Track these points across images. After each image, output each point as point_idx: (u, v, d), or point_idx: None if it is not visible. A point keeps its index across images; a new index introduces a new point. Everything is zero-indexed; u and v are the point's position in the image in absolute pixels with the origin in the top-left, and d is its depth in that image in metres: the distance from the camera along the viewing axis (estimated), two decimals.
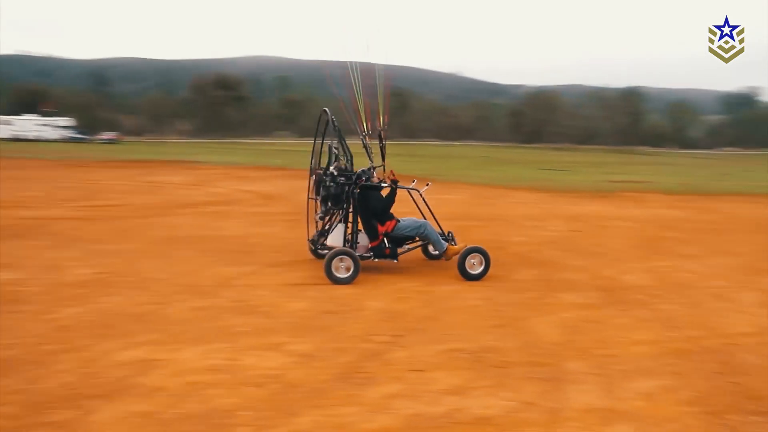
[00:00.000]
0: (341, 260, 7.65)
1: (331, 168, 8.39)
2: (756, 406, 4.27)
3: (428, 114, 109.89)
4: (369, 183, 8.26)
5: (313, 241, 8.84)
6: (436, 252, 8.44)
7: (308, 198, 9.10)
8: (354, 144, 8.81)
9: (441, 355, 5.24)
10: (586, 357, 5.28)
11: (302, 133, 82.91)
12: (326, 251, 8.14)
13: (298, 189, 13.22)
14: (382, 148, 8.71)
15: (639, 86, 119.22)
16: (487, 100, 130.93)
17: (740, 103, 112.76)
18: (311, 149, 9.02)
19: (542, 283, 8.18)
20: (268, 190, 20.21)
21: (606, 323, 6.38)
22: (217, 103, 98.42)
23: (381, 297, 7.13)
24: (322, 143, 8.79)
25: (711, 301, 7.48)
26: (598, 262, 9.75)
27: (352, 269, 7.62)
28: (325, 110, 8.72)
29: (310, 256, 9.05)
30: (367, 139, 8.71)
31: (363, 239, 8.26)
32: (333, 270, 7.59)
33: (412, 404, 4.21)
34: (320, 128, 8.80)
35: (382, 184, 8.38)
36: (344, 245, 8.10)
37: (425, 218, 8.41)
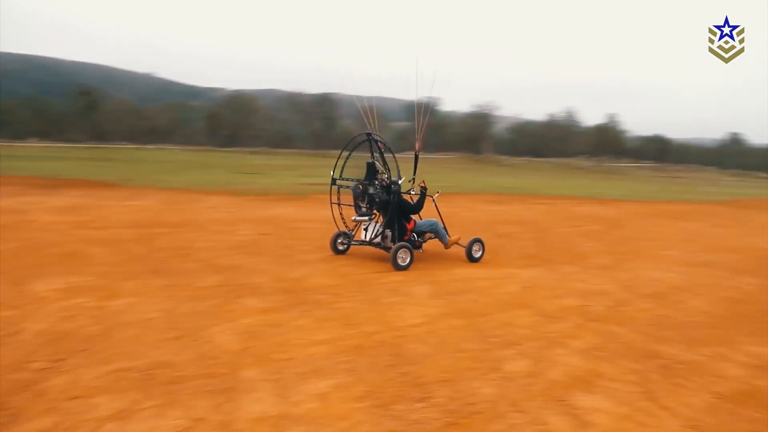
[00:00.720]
0: (404, 252, 10.13)
1: (377, 182, 11.15)
2: (421, 393, 4.82)
3: (120, 115, 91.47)
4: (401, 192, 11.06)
5: (345, 236, 11.38)
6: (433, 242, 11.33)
7: (331, 203, 11.64)
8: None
9: (105, 378, 4.73)
10: (264, 363, 5.28)
11: None
12: (355, 244, 11.32)
13: None
14: (416, 165, 11.85)
15: (331, 92, 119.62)
16: (184, 103, 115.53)
17: (424, 112, 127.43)
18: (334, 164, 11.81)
19: (226, 289, 8.00)
20: None
21: (287, 326, 6.46)
22: None
23: (43, 318, 6.27)
24: (347, 158, 11.89)
25: (388, 295, 8.16)
26: (285, 264, 10.00)
27: (409, 259, 10.19)
28: (369, 134, 11.75)
29: None
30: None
31: (369, 234, 11.02)
32: (397, 260, 10.03)
33: None
34: (352, 146, 12.02)
35: (411, 192, 11.41)
36: (378, 242, 10.86)
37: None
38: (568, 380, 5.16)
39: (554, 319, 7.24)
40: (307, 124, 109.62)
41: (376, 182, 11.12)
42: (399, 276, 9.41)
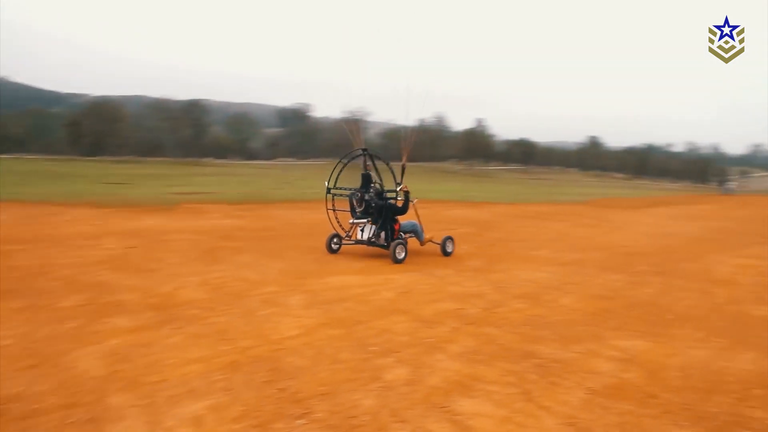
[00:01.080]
0: (402, 247, 12.10)
1: (372, 191, 12.92)
2: (301, 410, 4.69)
3: None
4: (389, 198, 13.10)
5: (338, 237, 13.08)
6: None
7: (327, 209, 13.56)
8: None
9: None
10: (133, 387, 4.95)
11: None
12: (352, 244, 13.09)
13: None
14: (402, 174, 13.04)
15: (201, 99, 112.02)
16: (42, 109, 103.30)
17: (295, 118, 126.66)
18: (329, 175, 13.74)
19: (90, 308, 7.47)
20: None
21: (158, 345, 6.10)
22: None
23: None
24: (342, 169, 13.77)
25: (263, 307, 7.92)
26: (154, 278, 9.49)
27: (404, 252, 12.08)
28: (365, 149, 13.40)
29: None
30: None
31: (366, 234, 12.75)
32: (396, 254, 11.89)
33: None
34: (346, 161, 13.86)
35: (397, 198, 13.04)
36: (372, 240, 12.58)
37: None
38: (448, 386, 5.18)
39: (432, 324, 7.30)
40: (176, 132, 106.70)
41: (371, 190, 12.99)
42: (273, 287, 9.20)
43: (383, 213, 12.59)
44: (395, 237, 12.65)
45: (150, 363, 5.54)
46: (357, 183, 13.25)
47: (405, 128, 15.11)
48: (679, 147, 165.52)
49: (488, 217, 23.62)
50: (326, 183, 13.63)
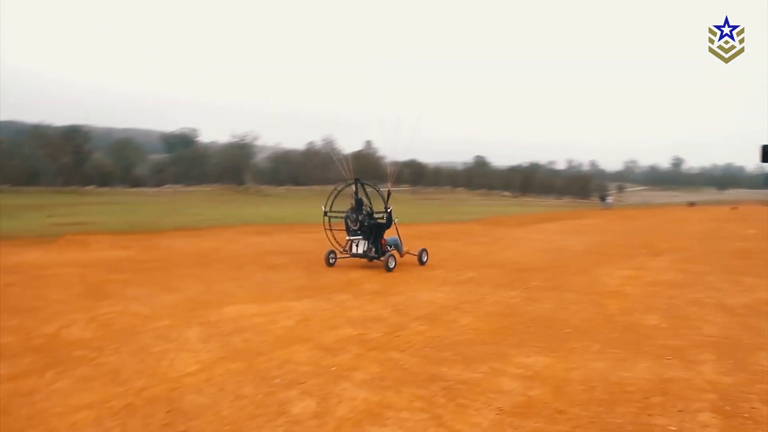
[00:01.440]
0: (392, 258, 14.84)
1: (364, 213, 15.45)
2: None
3: None
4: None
5: (333, 253, 15.66)
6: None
7: (325, 229, 16.04)
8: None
9: None
10: None
11: None
12: (348, 257, 15.62)
13: None
14: (388, 198, 15.97)
15: (81, 124, 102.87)
16: None
17: (180, 143, 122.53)
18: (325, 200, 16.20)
19: None
20: None
21: (42, 392, 5.65)
22: None
23: None
24: (336, 195, 16.33)
25: (157, 343, 7.51)
26: (36, 318, 8.85)
27: (394, 262, 14.83)
28: (357, 179, 15.84)
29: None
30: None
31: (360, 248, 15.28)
32: (388, 264, 14.60)
33: None
34: (340, 188, 16.45)
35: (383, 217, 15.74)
36: (366, 253, 15.17)
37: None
38: (358, 416, 5.07)
39: (334, 352, 7.18)
40: (55, 159, 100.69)
41: (363, 212, 15.44)
42: (166, 320, 8.80)
43: (374, 230, 15.32)
44: (383, 250, 15.36)
45: (33, 414, 5.12)
46: (341, 206, 15.66)
47: (392, 160, 19.17)
48: (560, 164, 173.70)
49: None
50: (323, 207, 16.05)
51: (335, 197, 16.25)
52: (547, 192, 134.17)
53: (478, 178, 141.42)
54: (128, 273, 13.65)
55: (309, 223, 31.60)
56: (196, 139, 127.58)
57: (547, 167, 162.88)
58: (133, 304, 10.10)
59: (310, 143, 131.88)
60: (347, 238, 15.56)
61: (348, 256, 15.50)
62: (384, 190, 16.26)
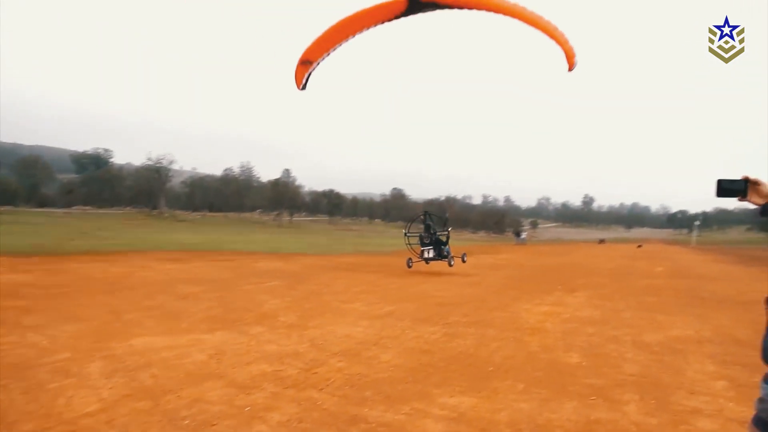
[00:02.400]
0: (452, 258, 25.11)
1: (432, 232, 25.54)
2: None
3: None
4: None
5: (410, 259, 25.21)
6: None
7: (406, 244, 25.87)
8: None
9: None
10: None
11: None
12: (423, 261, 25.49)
13: None
14: (447, 222, 27.64)
15: None
16: None
17: (93, 163, 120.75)
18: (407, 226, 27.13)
19: None
20: None
21: None
22: None
23: None
24: (410, 224, 27.93)
25: (54, 379, 6.89)
26: None
27: (453, 261, 25.24)
28: (426, 212, 26.70)
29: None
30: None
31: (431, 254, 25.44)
32: (450, 262, 24.98)
33: None
34: (417, 218, 28.11)
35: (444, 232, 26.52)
36: (434, 257, 25.16)
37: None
38: None
39: (249, 390, 6.77)
40: None
41: (431, 232, 24.96)
42: (66, 353, 8.13)
43: (438, 243, 24.91)
44: (444, 254, 24.80)
45: None
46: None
47: (450, 197, 30.88)
48: (476, 199, 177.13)
49: (298, 269, 23.32)
50: (404, 231, 26.58)
51: (411, 223, 27.61)
52: (462, 226, 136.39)
53: (395, 210, 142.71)
54: (27, 299, 12.73)
55: (224, 251, 30.92)
56: (110, 160, 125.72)
57: (463, 201, 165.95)
58: (30, 334, 9.35)
59: (228, 169, 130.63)
60: (422, 249, 24.53)
61: (421, 260, 24.55)
62: (445, 216, 28.24)
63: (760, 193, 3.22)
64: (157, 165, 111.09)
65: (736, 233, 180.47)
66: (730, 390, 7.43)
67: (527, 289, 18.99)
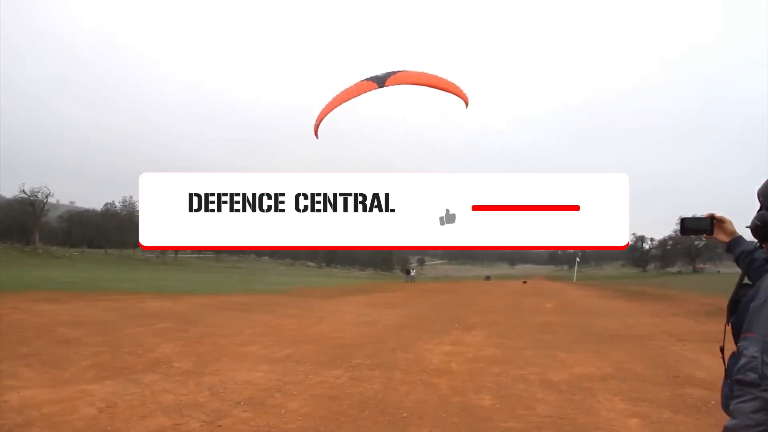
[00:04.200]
0: None
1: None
2: None
3: None
4: None
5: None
6: None
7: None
8: None
9: None
10: None
11: None
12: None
13: None
14: None
15: None
16: None
17: None
18: None
19: None
20: None
21: None
22: None
23: None
24: None
25: None
26: None
27: None
28: None
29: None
30: None
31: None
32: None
33: None
34: None
35: None
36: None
37: None
38: None
39: None
40: None
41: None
42: None
43: None
44: None
45: None
46: None
47: None
48: None
49: (187, 309, 22.26)
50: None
51: None
52: (351, 263, 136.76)
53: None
54: None
55: (106, 290, 29.28)
56: None
57: None
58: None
59: (109, 203, 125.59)
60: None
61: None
62: None
63: (725, 231, 3.19)
64: (32, 198, 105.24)
65: (611, 269, 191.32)
66: (645, 428, 7.47)
67: (425, 327, 18.92)
